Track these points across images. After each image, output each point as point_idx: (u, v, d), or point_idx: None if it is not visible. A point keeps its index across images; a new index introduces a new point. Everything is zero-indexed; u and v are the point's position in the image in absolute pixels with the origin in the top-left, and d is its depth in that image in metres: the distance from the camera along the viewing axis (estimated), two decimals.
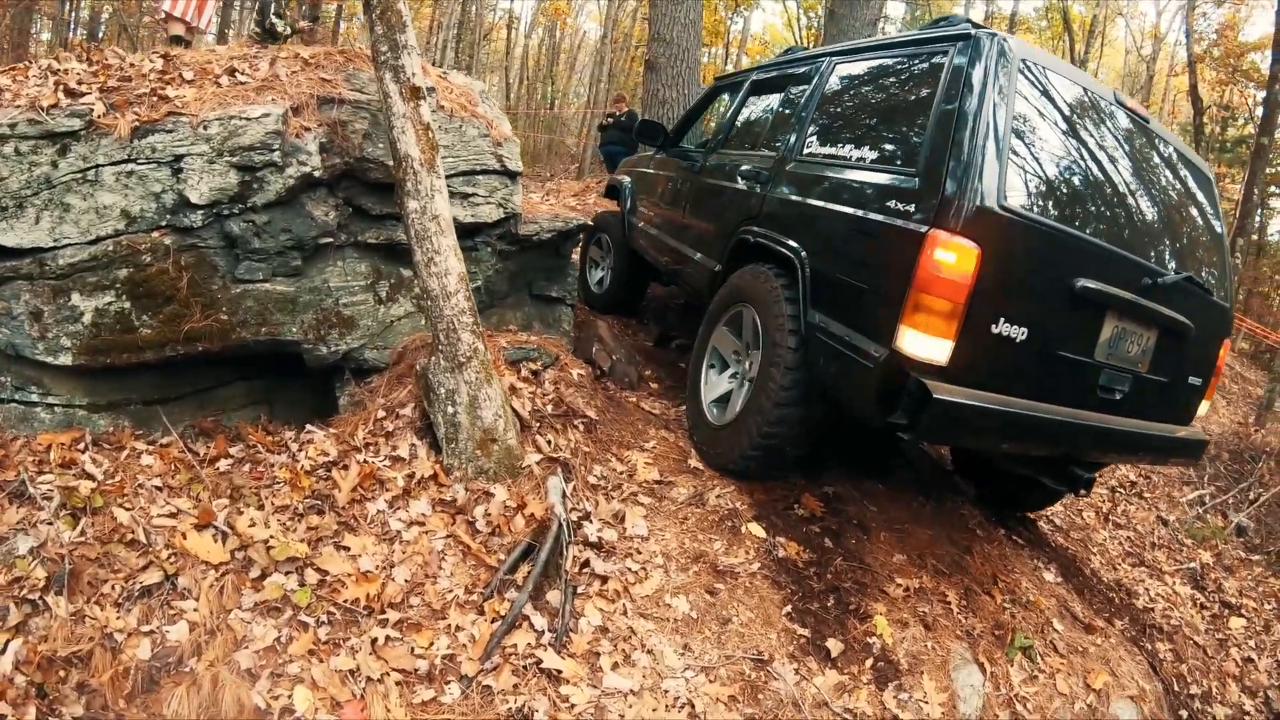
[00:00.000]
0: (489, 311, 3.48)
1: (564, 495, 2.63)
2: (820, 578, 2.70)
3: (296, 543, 2.31)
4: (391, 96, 2.62)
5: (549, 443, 2.85)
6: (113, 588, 2.07)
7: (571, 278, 3.85)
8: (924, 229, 2.17)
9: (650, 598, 2.47)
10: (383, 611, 2.22)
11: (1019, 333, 2.24)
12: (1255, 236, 15.07)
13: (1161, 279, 2.50)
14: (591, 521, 2.65)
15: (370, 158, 2.92)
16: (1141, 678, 3.05)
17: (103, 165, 2.50)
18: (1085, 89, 2.58)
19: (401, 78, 2.62)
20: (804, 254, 2.68)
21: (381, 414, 2.82)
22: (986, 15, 19.61)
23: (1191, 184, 2.89)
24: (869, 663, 2.46)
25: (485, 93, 3.62)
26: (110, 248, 2.51)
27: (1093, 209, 2.45)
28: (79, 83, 2.60)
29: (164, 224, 2.57)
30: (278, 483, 2.53)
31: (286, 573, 2.25)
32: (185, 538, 2.24)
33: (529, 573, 2.36)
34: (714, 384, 3.17)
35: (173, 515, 2.31)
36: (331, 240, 2.89)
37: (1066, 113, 2.48)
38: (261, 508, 2.41)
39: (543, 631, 2.26)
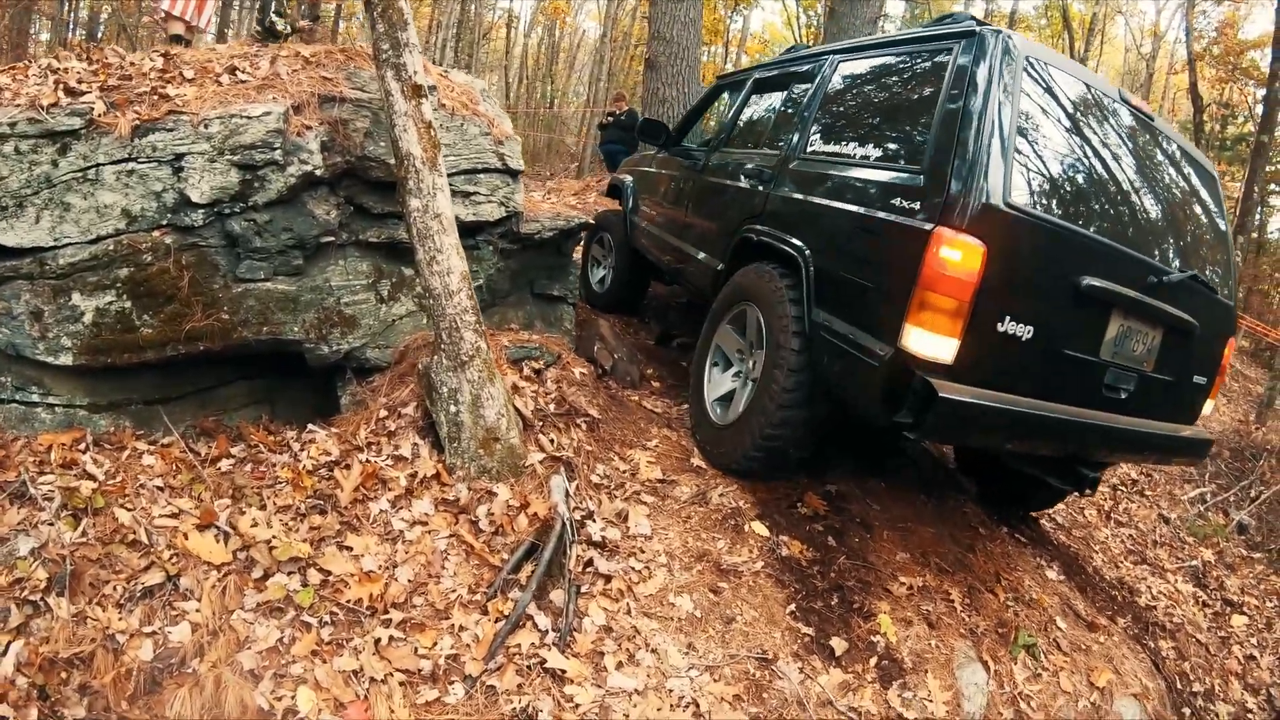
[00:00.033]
0: (491, 310, 3.47)
1: (567, 494, 2.62)
2: (824, 576, 2.70)
3: (299, 543, 2.30)
4: (393, 94, 2.61)
5: (552, 442, 2.84)
6: (114, 589, 2.06)
7: (573, 276, 3.85)
8: (929, 226, 2.16)
9: (654, 597, 2.46)
10: (386, 612, 2.21)
11: (1025, 331, 2.23)
12: (1255, 234, 15.08)
13: (1167, 277, 2.50)
14: (595, 520, 2.64)
15: (372, 156, 2.91)
16: (1144, 675, 3.05)
17: (103, 164, 2.48)
18: (1090, 86, 2.57)
19: (403, 75, 2.61)
20: (808, 252, 2.67)
21: (384, 413, 2.82)
22: (986, 13, 19.59)
23: (1196, 182, 2.88)
24: (873, 661, 2.46)
25: (486, 91, 3.61)
26: (111, 247, 2.49)
27: (1098, 207, 2.44)
28: (79, 81, 2.59)
29: (165, 223, 2.56)
30: (280, 482, 2.52)
31: (289, 573, 2.24)
32: (187, 538, 2.22)
33: (532, 572, 2.35)
34: (717, 382, 3.16)
35: (174, 515, 2.30)
36: (333, 239, 2.88)
37: (1071, 110, 2.47)
38: (264, 508, 2.40)
39: (547, 631, 2.25)
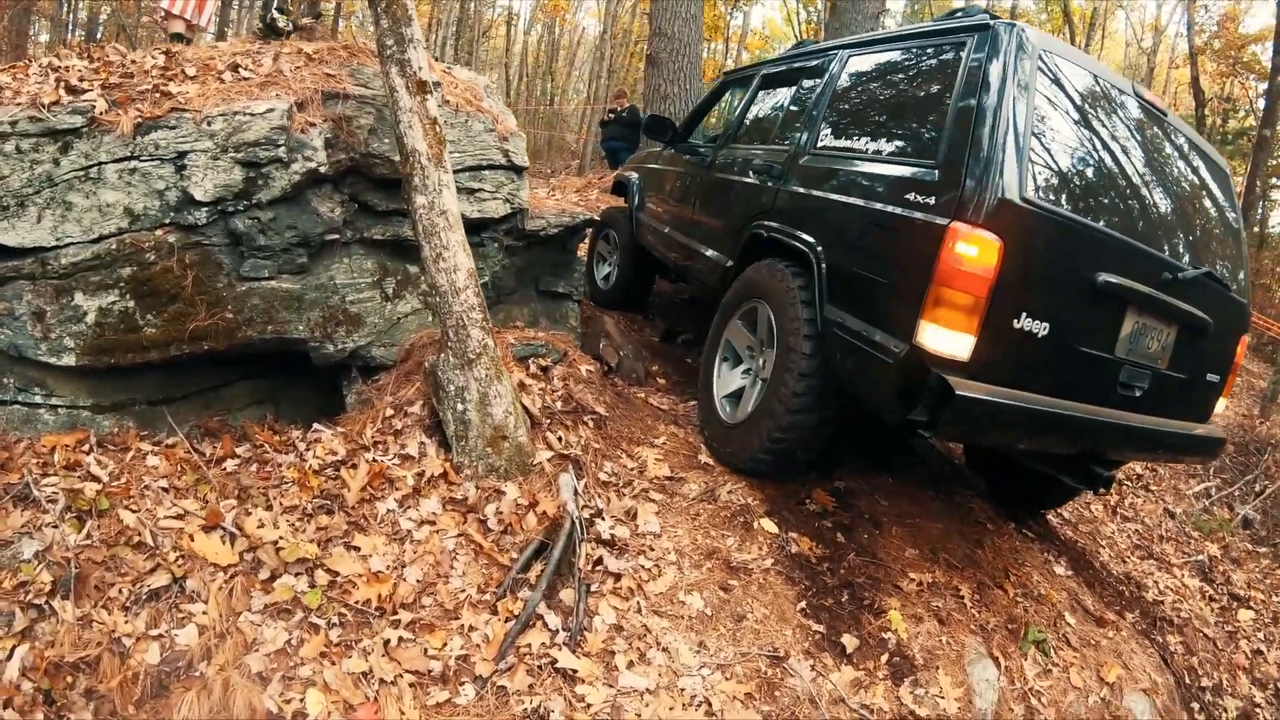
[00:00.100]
0: (496, 308, 3.45)
1: (576, 492, 2.60)
2: (833, 573, 2.68)
3: (306, 543, 2.28)
4: (398, 91, 2.58)
5: (559, 439, 2.82)
6: (120, 591, 2.04)
7: (578, 273, 3.83)
8: (945, 221, 2.13)
9: (664, 595, 2.44)
10: (395, 612, 2.19)
11: (1041, 328, 2.21)
12: (1258, 229, 15.03)
13: (1181, 274, 2.47)
14: (604, 519, 2.62)
15: (376, 153, 2.88)
16: (1153, 670, 3.04)
17: (105, 163, 2.46)
18: (1103, 80, 2.54)
19: (408, 72, 2.58)
20: (819, 248, 2.64)
21: (390, 412, 2.79)
22: (987, 7, 19.50)
23: (1208, 177, 2.86)
24: (884, 658, 2.44)
25: (489, 87, 3.58)
26: (113, 246, 2.47)
27: (1113, 202, 2.42)
28: (80, 80, 2.56)
29: (168, 222, 2.53)
30: (286, 483, 2.50)
31: (296, 574, 2.22)
32: (193, 539, 2.20)
33: (542, 571, 2.33)
34: (726, 379, 3.13)
35: (180, 517, 2.28)
36: (337, 237, 2.86)
37: (1085, 104, 2.44)
38: (270, 508, 2.38)
39: (557, 630, 2.23)
